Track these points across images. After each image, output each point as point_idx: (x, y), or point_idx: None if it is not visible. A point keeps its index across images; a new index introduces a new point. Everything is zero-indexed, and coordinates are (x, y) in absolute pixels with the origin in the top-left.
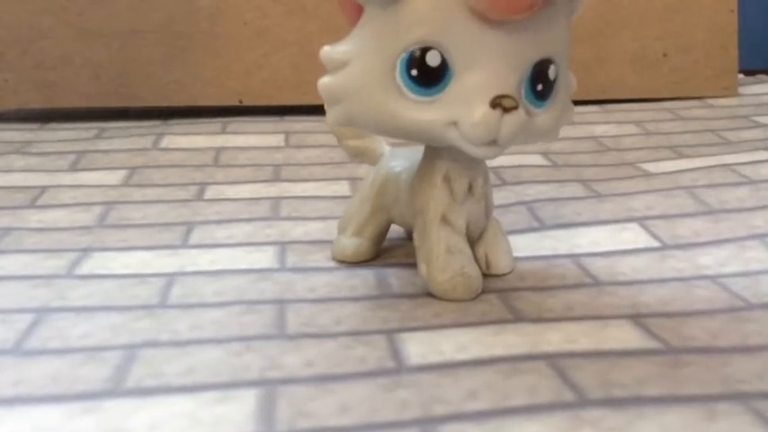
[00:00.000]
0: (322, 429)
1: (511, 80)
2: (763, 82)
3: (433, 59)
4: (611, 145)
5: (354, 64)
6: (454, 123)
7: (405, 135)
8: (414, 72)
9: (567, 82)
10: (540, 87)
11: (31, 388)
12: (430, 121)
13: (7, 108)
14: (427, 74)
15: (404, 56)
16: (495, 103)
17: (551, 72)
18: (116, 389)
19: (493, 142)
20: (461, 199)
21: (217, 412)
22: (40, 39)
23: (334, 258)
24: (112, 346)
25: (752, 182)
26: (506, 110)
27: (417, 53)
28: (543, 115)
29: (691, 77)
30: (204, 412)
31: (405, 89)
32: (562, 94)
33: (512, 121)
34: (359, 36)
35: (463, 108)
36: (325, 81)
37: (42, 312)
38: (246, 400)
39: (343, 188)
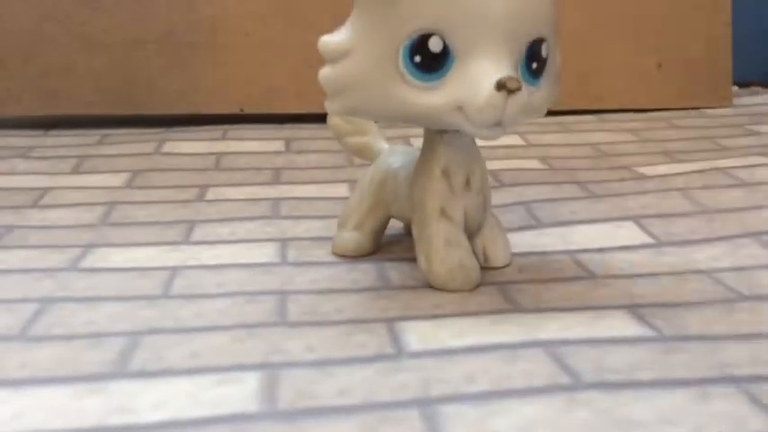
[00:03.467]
0: (323, 409)
1: (511, 61)
2: (757, 93)
3: (435, 45)
4: (607, 151)
5: (355, 53)
6: (459, 107)
7: (410, 120)
8: (417, 59)
9: (555, 58)
10: (534, 66)
11: (37, 370)
12: (435, 107)
13: (10, 116)
14: (430, 60)
15: (406, 43)
16: (500, 85)
17: (544, 50)
18: (120, 372)
19: (497, 124)
20: (459, 192)
21: (219, 393)
22: (43, 47)
23: (334, 252)
24: (116, 332)
25: (746, 184)
26: (511, 91)
27: (419, 40)
28: (538, 92)
29: (685, 88)
30: (207, 393)
31: (408, 76)
32: (552, 70)
33: (516, 101)
34: (357, 24)
35: (468, 92)
36: (325, 72)
37: (46, 302)
38: (249, 382)
39: (343, 190)
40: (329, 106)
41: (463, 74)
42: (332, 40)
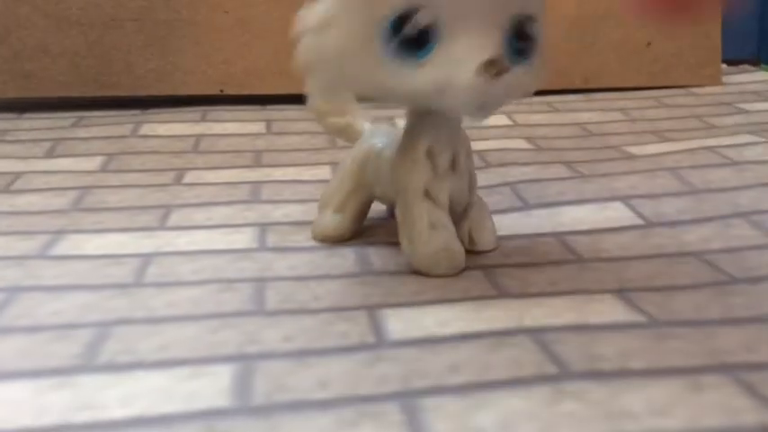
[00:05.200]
0: (300, 403)
1: (496, 40)
2: (746, 71)
3: (418, 22)
4: (595, 130)
5: (336, 27)
6: (443, 88)
7: (391, 99)
8: (399, 36)
9: (543, 37)
10: (521, 45)
11: (0, 364)
12: (418, 86)
13: None
14: (413, 38)
15: (388, 20)
16: (486, 66)
17: (531, 28)
18: (88, 365)
19: (482, 105)
20: (444, 173)
21: (191, 387)
22: (17, 28)
23: (314, 236)
24: (84, 323)
25: (735, 163)
26: (497, 73)
27: (402, 16)
28: (524, 73)
29: (674, 66)
30: (178, 387)
31: (390, 54)
32: (539, 49)
33: (502, 83)
34: None
35: (452, 73)
36: (304, 47)
37: (13, 291)
38: (222, 375)
39: (325, 173)
40: (307, 84)
41: (447, 53)
42: (311, 12)
